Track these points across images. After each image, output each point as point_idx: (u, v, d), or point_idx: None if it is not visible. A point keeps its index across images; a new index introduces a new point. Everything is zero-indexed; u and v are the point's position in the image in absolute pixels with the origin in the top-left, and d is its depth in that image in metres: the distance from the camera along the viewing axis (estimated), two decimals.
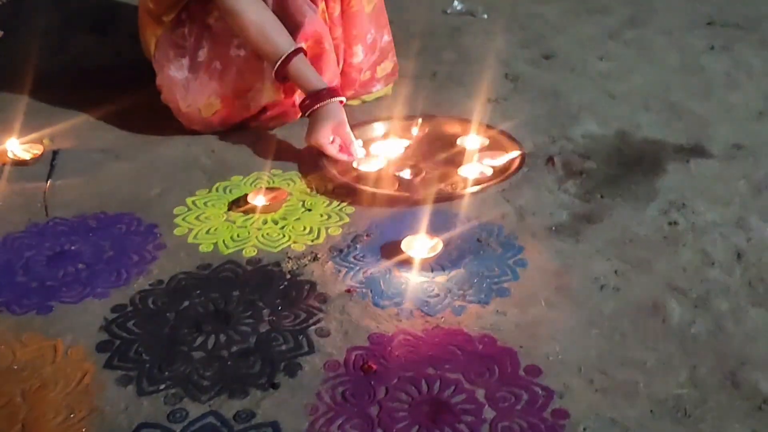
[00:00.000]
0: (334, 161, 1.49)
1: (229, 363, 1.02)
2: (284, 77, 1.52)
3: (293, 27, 1.54)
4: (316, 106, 1.49)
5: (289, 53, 1.49)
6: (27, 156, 1.52)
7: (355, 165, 1.49)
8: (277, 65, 1.49)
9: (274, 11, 1.54)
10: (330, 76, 1.62)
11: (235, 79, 1.57)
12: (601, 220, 1.32)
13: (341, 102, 1.52)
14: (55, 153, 1.55)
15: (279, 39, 1.50)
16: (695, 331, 1.06)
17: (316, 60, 1.59)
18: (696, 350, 1.03)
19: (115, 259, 1.23)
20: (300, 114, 1.61)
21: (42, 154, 1.53)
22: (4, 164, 1.50)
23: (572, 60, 2.02)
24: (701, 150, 1.55)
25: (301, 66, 1.50)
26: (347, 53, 1.70)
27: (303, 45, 1.52)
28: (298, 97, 1.60)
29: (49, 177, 1.47)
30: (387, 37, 1.77)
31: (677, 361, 1.01)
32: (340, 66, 1.69)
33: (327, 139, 1.49)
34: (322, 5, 1.60)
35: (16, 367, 1.00)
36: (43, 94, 1.81)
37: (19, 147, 1.53)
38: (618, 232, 1.29)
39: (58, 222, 1.34)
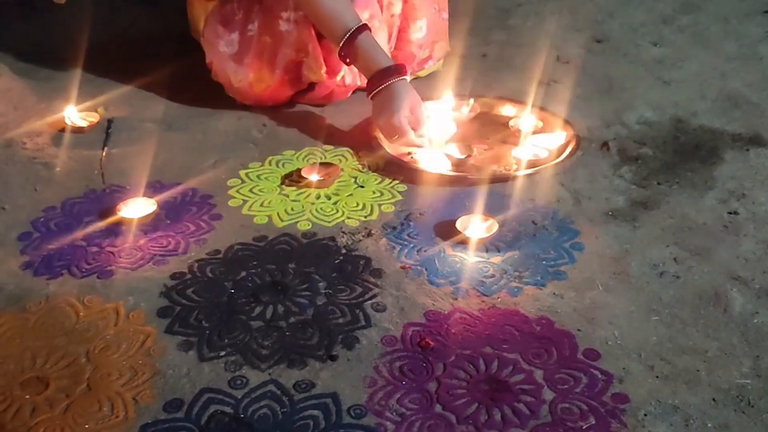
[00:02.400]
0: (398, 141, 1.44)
1: (287, 333, 1.03)
2: (347, 55, 1.46)
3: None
4: (386, 83, 1.43)
5: (354, 29, 1.44)
6: (84, 123, 1.54)
7: (413, 151, 1.45)
8: (342, 41, 1.44)
9: None
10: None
11: (285, 53, 1.57)
12: (658, 206, 1.31)
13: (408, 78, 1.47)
14: (110, 121, 1.57)
15: (346, 14, 1.46)
16: (758, 322, 1.04)
17: None
18: (759, 340, 1.01)
19: (172, 228, 1.25)
20: (350, 92, 1.61)
21: (98, 122, 1.55)
22: (62, 130, 1.52)
23: (625, 45, 1.98)
24: (759, 139, 1.52)
25: (368, 43, 1.45)
26: (410, 28, 1.68)
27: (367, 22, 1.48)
28: (353, 76, 1.58)
29: (105, 145, 1.49)
30: (446, 15, 1.75)
31: (740, 351, 1.00)
32: (393, 45, 1.67)
33: (404, 121, 1.42)
34: None
35: (79, 328, 1.02)
36: (97, 63, 1.82)
37: (76, 114, 1.55)
38: (676, 220, 1.27)
39: (114, 189, 1.36)
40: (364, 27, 1.45)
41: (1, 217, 1.28)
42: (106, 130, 1.53)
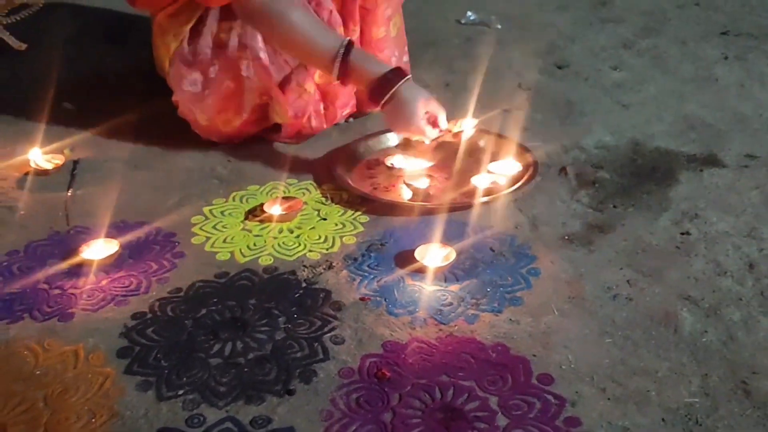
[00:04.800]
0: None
1: (245, 370, 1.04)
2: (344, 78, 1.45)
3: None
4: (391, 89, 1.42)
5: (343, 51, 1.42)
6: (49, 166, 1.55)
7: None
8: (336, 67, 1.43)
9: None
10: (344, 101, 1.65)
11: (250, 97, 1.59)
12: (613, 229, 1.33)
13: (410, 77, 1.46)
14: (75, 162, 1.58)
15: (327, 38, 1.45)
16: (707, 341, 1.07)
17: (332, 86, 1.60)
18: (707, 359, 1.03)
19: (134, 267, 1.26)
20: (317, 130, 1.63)
21: (63, 163, 1.57)
22: (26, 174, 1.54)
23: (585, 70, 2.03)
24: (714, 160, 1.56)
25: (359, 57, 1.44)
26: None
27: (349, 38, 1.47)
28: (320, 120, 1.61)
29: (69, 186, 1.50)
30: (406, 58, 1.79)
31: (689, 370, 1.02)
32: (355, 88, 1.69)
33: (423, 123, 1.45)
34: (339, 30, 1.59)
35: (38, 372, 1.03)
36: (64, 104, 1.84)
37: (41, 157, 1.56)
38: (631, 242, 1.29)
39: (79, 230, 1.37)
40: (350, 44, 1.44)
41: None
42: (71, 172, 1.55)
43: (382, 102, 1.44)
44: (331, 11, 1.57)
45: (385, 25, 1.68)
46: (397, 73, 1.44)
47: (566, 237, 1.31)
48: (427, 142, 1.51)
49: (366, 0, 1.62)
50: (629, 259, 1.25)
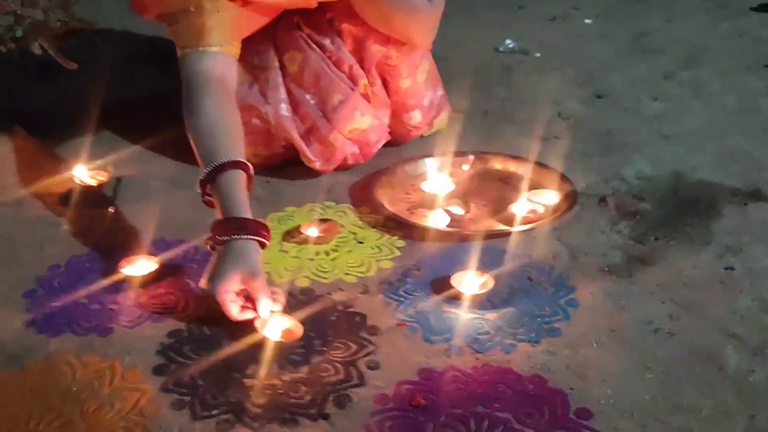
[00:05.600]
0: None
1: (280, 392, 1.03)
2: (204, 196, 1.25)
3: (330, 109, 1.56)
4: (225, 238, 1.15)
5: (212, 171, 1.21)
6: (93, 182, 1.58)
7: (257, 325, 1.12)
8: (198, 180, 1.24)
9: (307, 88, 1.55)
10: (377, 138, 1.64)
11: (276, 139, 1.59)
12: (655, 262, 1.31)
13: (262, 245, 1.17)
14: (118, 180, 1.61)
15: (216, 148, 1.25)
16: (754, 380, 1.03)
17: (362, 133, 1.61)
18: (754, 399, 1.00)
19: (172, 285, 1.27)
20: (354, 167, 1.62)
21: (106, 180, 1.60)
22: (71, 189, 1.57)
23: (625, 100, 2.01)
24: (758, 194, 1.52)
25: (225, 188, 1.21)
26: (404, 116, 1.70)
27: (244, 162, 1.26)
28: (355, 157, 1.62)
29: (111, 203, 1.53)
30: (440, 92, 1.78)
31: (734, 410, 0.98)
32: (388, 121, 1.69)
33: (230, 294, 1.12)
34: (363, 80, 1.58)
35: (75, 388, 1.03)
36: (109, 123, 1.89)
37: (86, 173, 1.60)
38: (672, 276, 1.27)
39: (119, 246, 1.39)
40: (221, 168, 1.21)
41: (8, 275, 1.31)
42: (114, 189, 1.58)
43: (212, 245, 1.18)
44: (351, 66, 1.57)
45: (411, 75, 1.66)
46: (242, 227, 1.15)
47: (606, 268, 1.29)
48: (232, 316, 1.13)
49: (388, 57, 1.60)
50: (671, 293, 1.22)
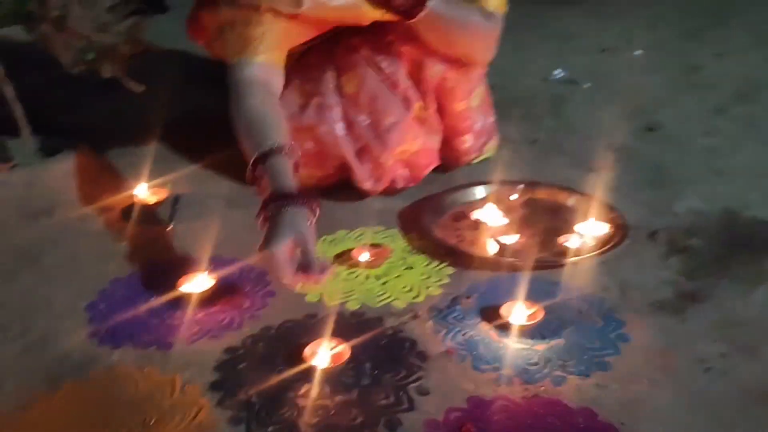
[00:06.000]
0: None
1: (332, 413, 1.06)
2: (253, 178, 1.33)
3: (383, 130, 1.60)
4: (280, 208, 1.21)
5: (267, 152, 1.30)
6: (152, 199, 1.65)
7: (307, 353, 1.15)
8: (249, 166, 1.32)
9: (362, 108, 1.59)
10: (427, 162, 1.68)
11: (329, 158, 1.63)
12: (706, 299, 1.30)
13: (313, 214, 1.24)
14: (176, 198, 1.67)
15: (265, 136, 1.34)
16: None
17: (413, 156, 1.64)
18: None
19: (228, 303, 1.31)
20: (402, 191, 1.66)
21: (165, 198, 1.66)
22: (131, 206, 1.63)
23: (677, 134, 2.01)
24: None
25: (276, 166, 1.29)
26: (455, 140, 1.74)
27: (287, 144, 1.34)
28: (405, 180, 1.66)
29: (170, 220, 1.59)
30: (491, 119, 1.82)
31: None
32: (439, 146, 1.72)
33: (284, 253, 1.16)
34: (418, 103, 1.63)
35: (137, 398, 1.08)
36: (168, 141, 1.97)
37: (146, 190, 1.66)
38: (724, 314, 1.26)
39: (177, 263, 1.43)
40: (273, 151, 1.31)
41: (71, 288, 1.37)
42: (173, 206, 1.63)
43: (260, 218, 1.24)
44: (407, 89, 1.62)
45: (465, 99, 1.70)
46: (293, 197, 1.22)
47: (657, 304, 1.29)
48: (285, 282, 1.18)
49: (446, 79, 1.65)
50: (723, 332, 1.21)
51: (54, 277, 1.39)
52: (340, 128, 1.62)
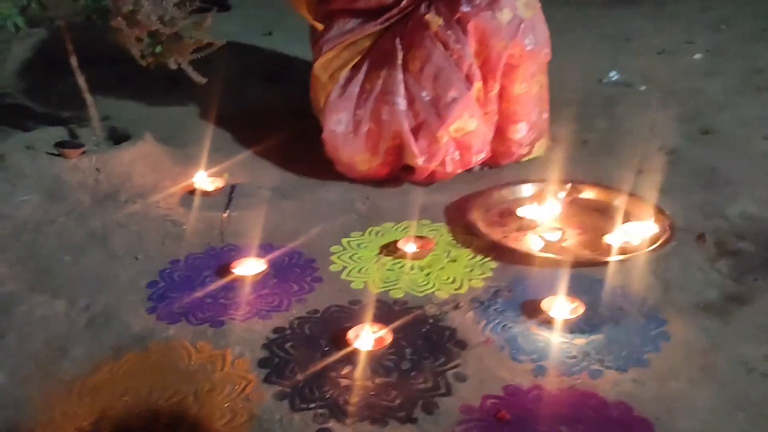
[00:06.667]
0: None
1: (372, 393, 1.10)
2: None
3: (443, 105, 1.64)
4: None
5: None
6: (210, 188, 1.72)
7: (350, 336, 1.21)
8: None
9: (424, 85, 1.65)
10: (479, 147, 1.71)
11: (385, 140, 1.69)
12: (752, 302, 1.29)
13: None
14: (232, 187, 1.75)
15: None
16: None
17: (466, 136, 1.68)
18: None
19: (277, 286, 1.37)
20: (452, 176, 1.71)
21: (223, 187, 1.73)
22: (192, 193, 1.71)
23: (733, 138, 1.97)
24: None
25: None
26: (509, 129, 1.77)
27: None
28: (454, 164, 1.70)
29: (226, 207, 1.66)
30: (546, 115, 1.84)
31: None
32: (491, 136, 1.76)
33: None
34: (478, 84, 1.67)
35: (191, 369, 1.14)
36: (225, 134, 2.05)
37: (205, 179, 1.74)
38: None
39: (231, 248, 1.51)
40: None
41: (135, 266, 1.45)
42: (229, 195, 1.71)
43: None
44: (471, 64, 1.65)
45: (527, 81, 1.73)
46: None
47: (701, 305, 1.29)
48: None
49: (512, 56, 1.68)
50: None
51: (119, 257, 1.48)
52: (401, 103, 1.67)
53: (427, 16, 1.68)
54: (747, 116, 2.11)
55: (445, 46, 1.65)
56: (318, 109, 1.82)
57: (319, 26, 1.80)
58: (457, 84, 1.64)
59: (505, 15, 1.65)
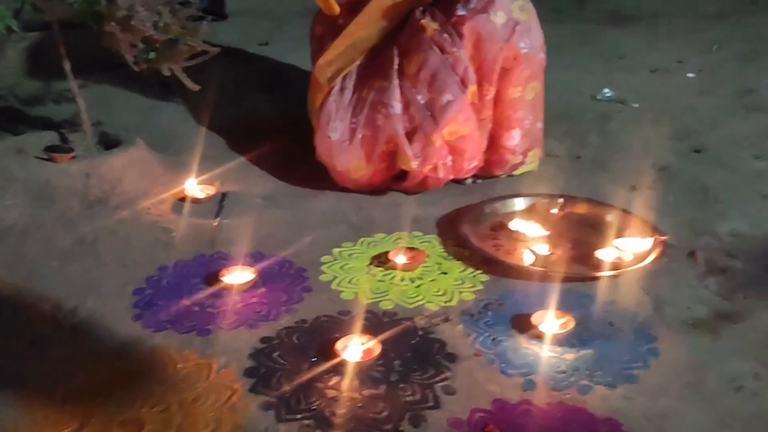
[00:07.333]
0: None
1: (359, 405, 1.09)
2: None
3: (438, 108, 1.65)
4: None
5: None
6: (201, 195, 1.71)
7: (338, 347, 1.20)
8: None
9: (420, 88, 1.66)
10: (471, 154, 1.71)
11: (380, 145, 1.70)
12: (742, 320, 1.29)
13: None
14: (223, 195, 1.74)
15: None
16: None
17: (460, 140, 1.68)
18: None
19: (266, 295, 1.36)
20: (443, 184, 1.71)
21: (213, 194, 1.72)
22: (182, 200, 1.70)
23: (724, 156, 1.98)
24: None
25: None
26: (503, 136, 1.78)
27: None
28: (446, 170, 1.69)
29: (217, 215, 1.65)
30: (540, 125, 1.84)
31: None
32: (485, 145, 1.77)
33: None
34: (473, 87, 1.68)
35: (176, 378, 1.13)
36: (219, 142, 2.04)
37: (196, 186, 1.73)
38: (760, 335, 1.24)
39: (221, 255, 1.50)
40: None
41: (122, 272, 1.44)
42: (220, 203, 1.70)
43: None
44: (466, 68, 1.66)
45: (522, 85, 1.74)
46: None
47: (691, 322, 1.28)
48: None
49: (507, 59, 1.69)
50: (757, 353, 1.20)
51: (107, 262, 1.46)
52: (396, 107, 1.68)
53: (423, 21, 1.69)
54: (738, 135, 2.12)
55: (441, 49, 1.66)
56: (312, 110, 1.82)
57: (336, 8, 1.79)
58: (452, 87, 1.65)
59: (500, 17, 1.67)
